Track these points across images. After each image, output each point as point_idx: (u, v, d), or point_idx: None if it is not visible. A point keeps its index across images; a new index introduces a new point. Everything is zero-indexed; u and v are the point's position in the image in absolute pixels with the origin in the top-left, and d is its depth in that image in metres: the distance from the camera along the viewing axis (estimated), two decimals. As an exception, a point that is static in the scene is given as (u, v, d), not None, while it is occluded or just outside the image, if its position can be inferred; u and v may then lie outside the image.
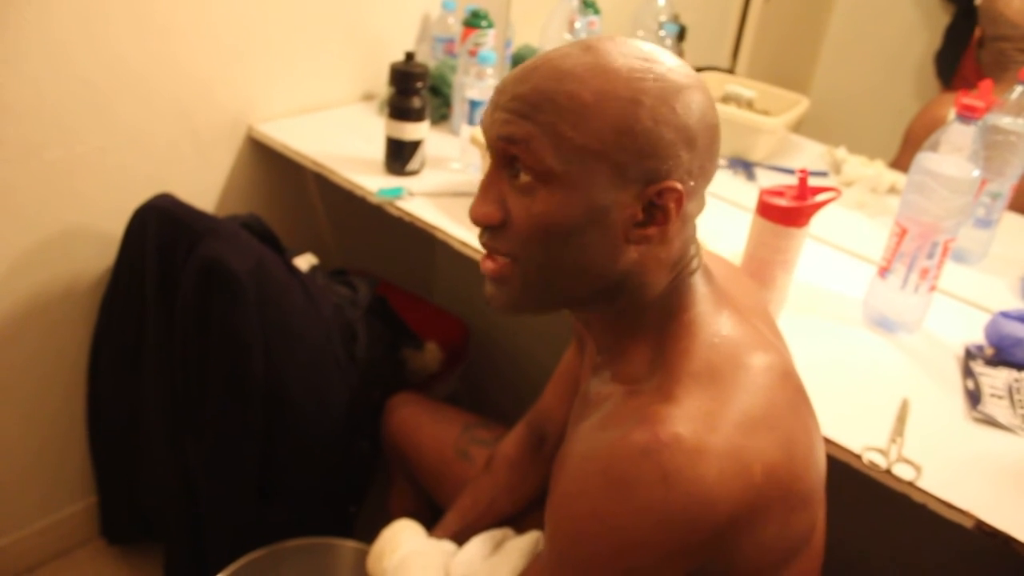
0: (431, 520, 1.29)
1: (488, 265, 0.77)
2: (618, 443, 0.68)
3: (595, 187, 0.70)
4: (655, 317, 0.77)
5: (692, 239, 0.79)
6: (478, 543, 1.15)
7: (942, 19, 1.67)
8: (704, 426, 0.66)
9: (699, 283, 0.78)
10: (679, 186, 0.71)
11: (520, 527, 1.21)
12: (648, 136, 0.69)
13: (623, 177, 0.70)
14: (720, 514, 0.64)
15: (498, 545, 1.16)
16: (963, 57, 1.63)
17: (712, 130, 0.73)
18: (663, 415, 0.67)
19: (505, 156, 0.73)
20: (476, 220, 0.75)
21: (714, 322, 0.76)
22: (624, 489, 0.66)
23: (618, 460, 0.67)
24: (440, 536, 1.20)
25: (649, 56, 0.72)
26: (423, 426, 1.43)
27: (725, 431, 0.67)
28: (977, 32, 1.55)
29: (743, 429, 0.67)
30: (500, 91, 0.74)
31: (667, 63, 0.72)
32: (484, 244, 0.77)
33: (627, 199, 0.71)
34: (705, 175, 0.74)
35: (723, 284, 0.83)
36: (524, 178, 0.71)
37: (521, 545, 1.13)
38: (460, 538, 1.19)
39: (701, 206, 0.77)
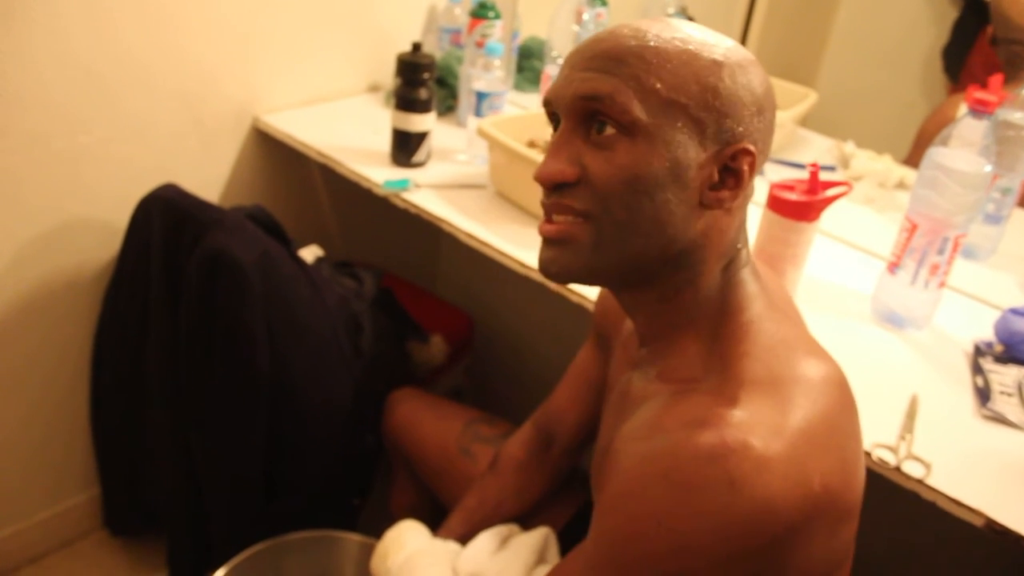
0: (433, 516, 1.28)
1: (550, 228, 0.75)
2: (682, 445, 0.67)
3: (677, 142, 0.70)
4: (709, 313, 0.77)
5: (744, 227, 0.79)
6: (485, 539, 1.14)
7: (950, 13, 1.66)
8: (770, 434, 0.66)
9: (749, 280, 0.78)
10: (753, 148, 0.72)
11: (526, 524, 1.20)
12: (729, 96, 0.71)
13: (703, 135, 0.71)
14: (779, 523, 0.64)
15: (505, 541, 1.16)
16: (971, 52, 1.62)
17: (774, 107, 0.75)
18: (728, 419, 0.66)
19: (585, 113, 0.72)
20: (547, 177, 0.73)
21: (770, 326, 0.76)
22: (688, 493, 0.65)
23: (683, 463, 0.66)
24: (445, 537, 1.18)
25: (717, 35, 0.74)
26: (424, 422, 1.42)
27: (789, 440, 0.66)
28: (989, 30, 1.54)
29: (805, 439, 0.67)
30: (575, 54, 0.74)
31: (728, 42, 0.74)
32: (552, 205, 0.75)
33: (705, 159, 0.71)
34: (766, 153, 0.75)
35: (765, 283, 0.82)
36: (608, 131, 0.71)
37: (530, 542, 1.12)
38: (465, 540, 1.17)
39: (753, 190, 0.78)
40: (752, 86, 0.72)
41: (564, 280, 0.77)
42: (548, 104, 0.76)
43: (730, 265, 0.77)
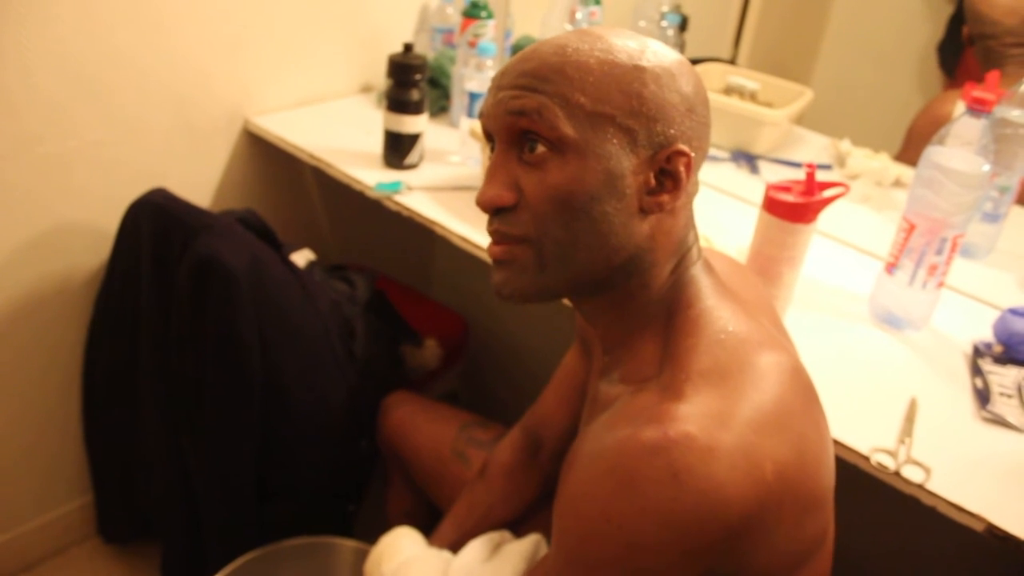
0: (429, 520, 1.27)
1: (496, 249, 0.76)
2: (627, 442, 0.66)
3: (609, 153, 0.71)
4: (661, 311, 0.77)
5: (691, 224, 0.79)
6: (476, 546, 1.13)
7: (945, 9, 1.65)
8: (715, 424, 0.65)
9: (701, 275, 0.78)
10: (688, 149, 0.73)
11: (518, 530, 1.19)
12: (655, 99, 0.71)
13: (634, 143, 0.71)
14: (731, 514, 0.63)
15: (496, 548, 1.14)
16: (966, 48, 1.62)
17: (706, 103, 0.76)
18: (673, 413, 0.66)
19: (515, 132, 0.73)
20: (486, 203, 0.75)
21: (720, 317, 0.75)
22: (633, 488, 0.64)
23: (627, 459, 0.66)
24: (437, 545, 1.18)
25: (640, 40, 0.75)
26: (419, 426, 1.41)
27: (736, 429, 0.65)
28: (965, 30, 1.54)
29: (753, 427, 0.66)
30: (501, 76, 0.75)
31: (654, 45, 0.75)
32: (494, 231, 0.76)
33: (639, 165, 0.72)
34: (703, 149, 0.76)
35: (725, 279, 0.82)
36: (539, 150, 0.72)
37: (521, 549, 1.11)
38: (457, 547, 1.17)
39: (696, 186, 0.78)
40: (679, 86, 0.73)
41: (519, 302, 0.77)
42: (482, 117, 0.77)
43: (680, 263, 0.78)
